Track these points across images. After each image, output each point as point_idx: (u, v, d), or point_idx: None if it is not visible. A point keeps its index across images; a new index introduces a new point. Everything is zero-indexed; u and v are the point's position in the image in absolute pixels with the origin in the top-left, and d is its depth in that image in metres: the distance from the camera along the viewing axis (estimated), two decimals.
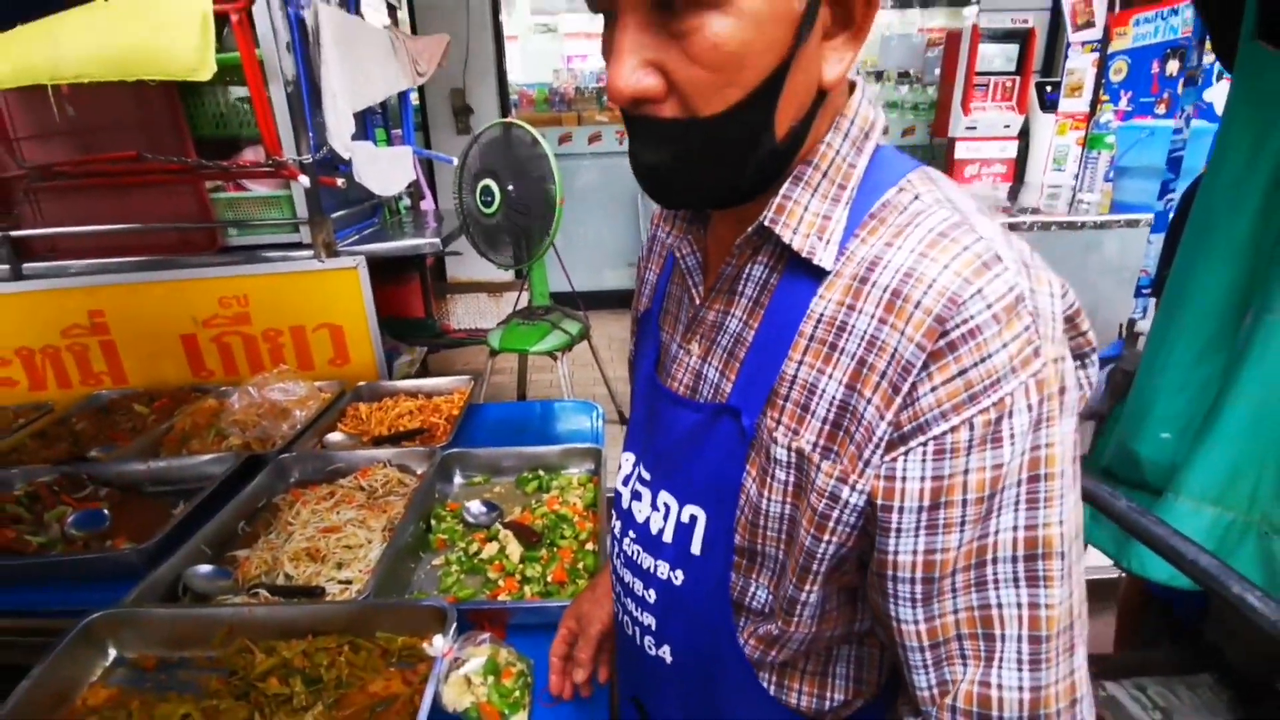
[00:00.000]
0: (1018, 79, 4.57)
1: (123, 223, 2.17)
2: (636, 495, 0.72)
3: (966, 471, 0.48)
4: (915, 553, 0.51)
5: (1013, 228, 2.72)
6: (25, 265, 2.21)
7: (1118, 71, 2.70)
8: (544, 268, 3.03)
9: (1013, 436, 0.47)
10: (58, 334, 2.18)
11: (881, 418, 0.50)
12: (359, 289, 2.19)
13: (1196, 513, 1.12)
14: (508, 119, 2.68)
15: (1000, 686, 0.51)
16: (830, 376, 0.53)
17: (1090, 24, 3.12)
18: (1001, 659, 0.51)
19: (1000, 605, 0.50)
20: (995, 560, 0.50)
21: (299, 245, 2.26)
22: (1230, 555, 1.11)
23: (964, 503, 0.49)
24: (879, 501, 0.52)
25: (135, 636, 1.07)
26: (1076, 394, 0.51)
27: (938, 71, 4.83)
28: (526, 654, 1.04)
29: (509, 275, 4.24)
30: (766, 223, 0.57)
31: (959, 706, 0.52)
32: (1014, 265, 0.49)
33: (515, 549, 1.30)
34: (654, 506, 0.69)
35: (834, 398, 0.53)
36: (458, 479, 1.60)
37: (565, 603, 1.05)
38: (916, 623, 0.52)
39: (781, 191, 0.56)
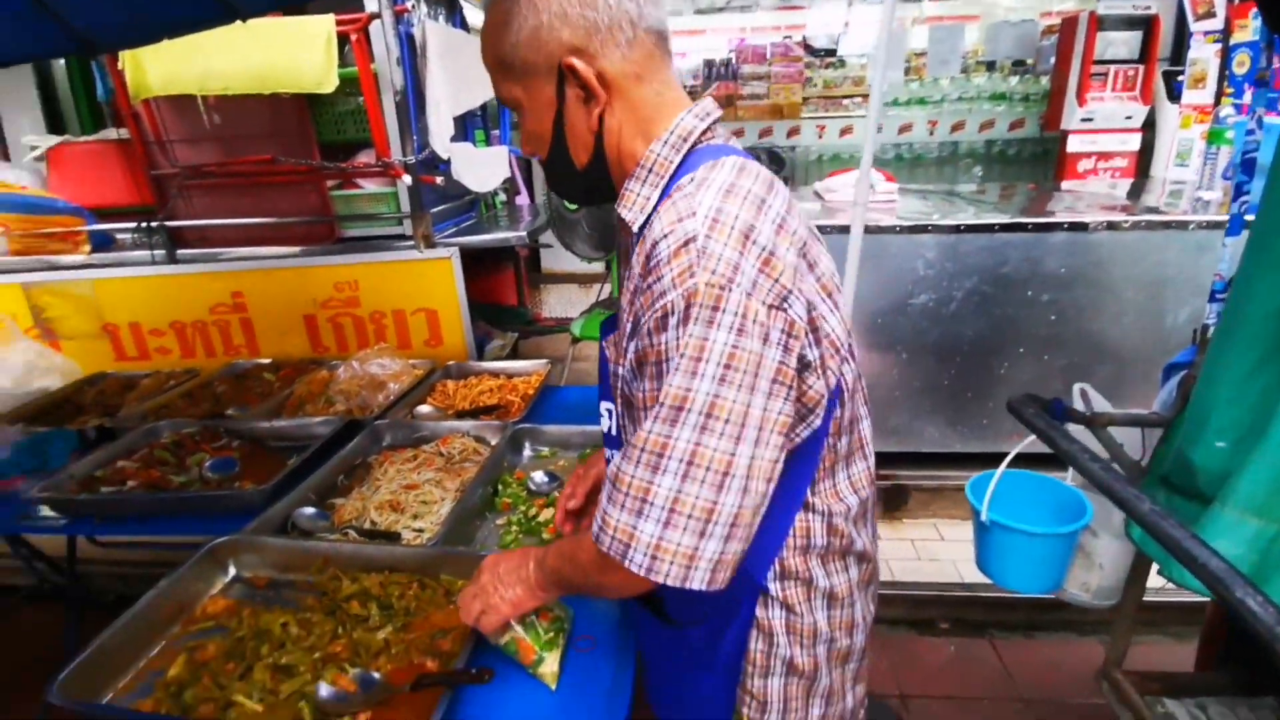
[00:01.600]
0: (1141, 68, 4.25)
1: (258, 217, 2.49)
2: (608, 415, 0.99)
3: (652, 346, 0.75)
4: (643, 391, 0.78)
5: (1110, 227, 2.57)
6: (179, 251, 2.58)
7: (1240, 64, 2.49)
8: None
9: (671, 326, 0.72)
10: (206, 311, 2.54)
11: (628, 319, 0.81)
12: (453, 277, 2.41)
13: (1240, 524, 1.09)
14: None
15: (621, 467, 0.76)
16: (630, 301, 0.81)
17: (1211, 14, 2.87)
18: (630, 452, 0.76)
19: (659, 435, 0.73)
20: (664, 404, 0.73)
21: (403, 237, 2.51)
22: (1276, 569, 1.08)
23: (655, 364, 0.75)
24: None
25: (251, 559, 1.30)
26: (737, 316, 0.70)
27: (1055, 61, 4.57)
28: (568, 606, 1.17)
29: (599, 267, 4.41)
30: (616, 206, 0.88)
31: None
32: (702, 220, 0.73)
33: None
34: (603, 413, 0.98)
35: (627, 313, 0.82)
36: (527, 451, 1.75)
37: None
38: (649, 432, 0.74)
39: (624, 185, 0.87)
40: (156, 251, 2.48)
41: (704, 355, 0.70)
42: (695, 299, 0.70)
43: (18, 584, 2.63)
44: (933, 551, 2.74)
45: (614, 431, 0.97)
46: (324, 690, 0.99)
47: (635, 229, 0.85)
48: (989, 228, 2.59)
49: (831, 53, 5.69)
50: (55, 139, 2.73)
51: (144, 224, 2.48)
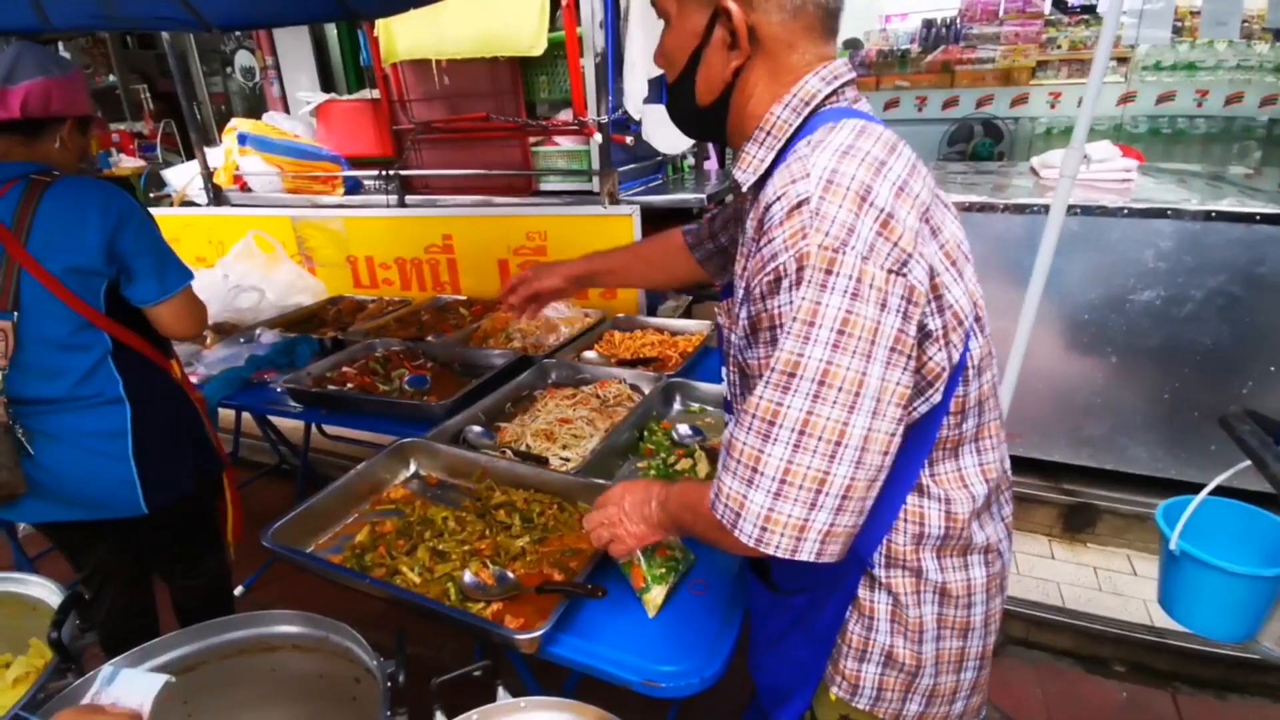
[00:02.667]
0: None
1: (471, 168, 2.78)
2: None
3: (765, 311, 0.74)
4: (757, 358, 0.78)
5: None
6: (408, 197, 2.96)
7: None
8: None
9: (783, 290, 0.71)
10: (422, 250, 2.90)
11: (741, 284, 0.81)
12: (632, 234, 2.51)
13: None
14: None
15: (734, 434, 0.76)
16: (743, 266, 0.82)
17: None
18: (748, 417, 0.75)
19: (771, 401, 0.72)
20: (775, 369, 0.72)
21: (591, 193, 2.66)
22: None
23: (769, 329, 0.74)
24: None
25: (428, 460, 1.51)
26: (851, 280, 0.68)
27: None
28: (692, 551, 1.22)
29: None
30: (733, 169, 0.89)
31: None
32: (815, 182, 0.71)
33: (704, 468, 1.49)
34: (724, 377, 0.99)
35: (740, 279, 0.83)
36: (677, 404, 1.82)
37: None
38: (760, 398, 0.73)
39: (743, 146, 0.85)
40: (391, 196, 2.87)
41: (817, 320, 0.68)
42: (807, 261, 0.69)
43: (262, 461, 3.27)
44: (1119, 585, 2.42)
45: (728, 397, 0.98)
46: (468, 577, 1.15)
47: (745, 189, 0.85)
48: (1248, 217, 2.16)
49: (1090, 9, 4.97)
50: (323, 96, 3.24)
51: (384, 172, 2.89)
